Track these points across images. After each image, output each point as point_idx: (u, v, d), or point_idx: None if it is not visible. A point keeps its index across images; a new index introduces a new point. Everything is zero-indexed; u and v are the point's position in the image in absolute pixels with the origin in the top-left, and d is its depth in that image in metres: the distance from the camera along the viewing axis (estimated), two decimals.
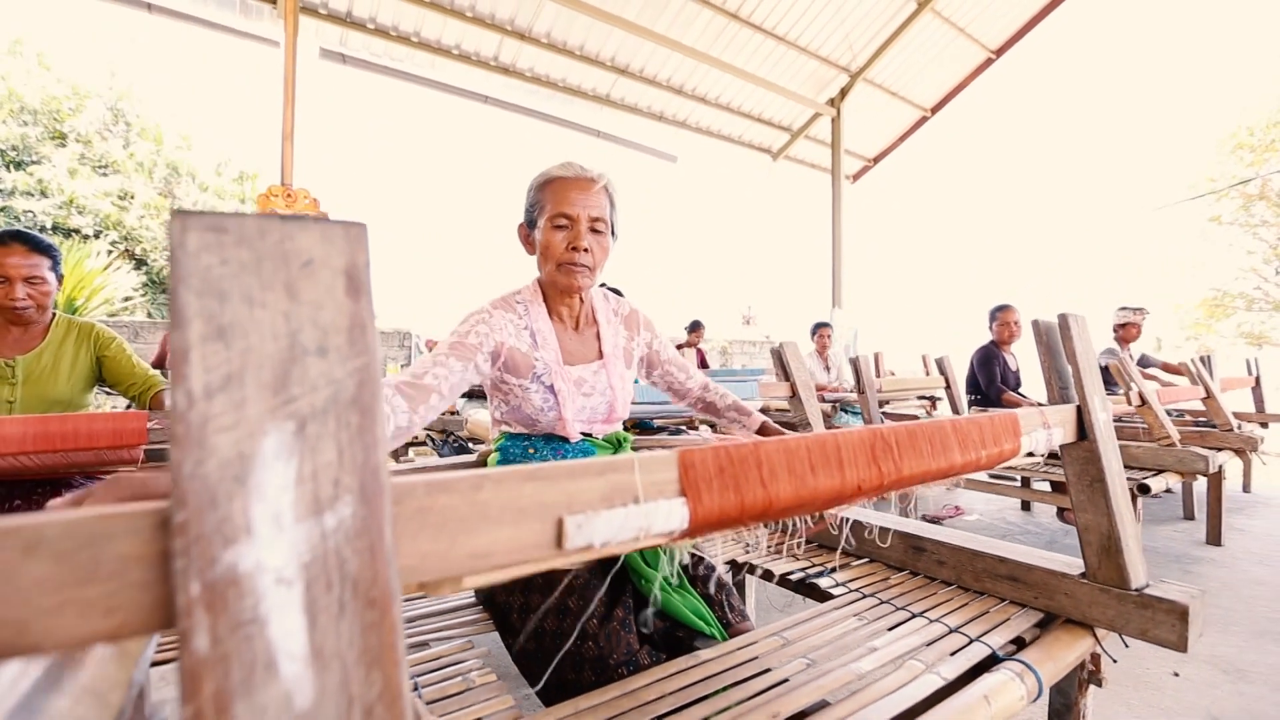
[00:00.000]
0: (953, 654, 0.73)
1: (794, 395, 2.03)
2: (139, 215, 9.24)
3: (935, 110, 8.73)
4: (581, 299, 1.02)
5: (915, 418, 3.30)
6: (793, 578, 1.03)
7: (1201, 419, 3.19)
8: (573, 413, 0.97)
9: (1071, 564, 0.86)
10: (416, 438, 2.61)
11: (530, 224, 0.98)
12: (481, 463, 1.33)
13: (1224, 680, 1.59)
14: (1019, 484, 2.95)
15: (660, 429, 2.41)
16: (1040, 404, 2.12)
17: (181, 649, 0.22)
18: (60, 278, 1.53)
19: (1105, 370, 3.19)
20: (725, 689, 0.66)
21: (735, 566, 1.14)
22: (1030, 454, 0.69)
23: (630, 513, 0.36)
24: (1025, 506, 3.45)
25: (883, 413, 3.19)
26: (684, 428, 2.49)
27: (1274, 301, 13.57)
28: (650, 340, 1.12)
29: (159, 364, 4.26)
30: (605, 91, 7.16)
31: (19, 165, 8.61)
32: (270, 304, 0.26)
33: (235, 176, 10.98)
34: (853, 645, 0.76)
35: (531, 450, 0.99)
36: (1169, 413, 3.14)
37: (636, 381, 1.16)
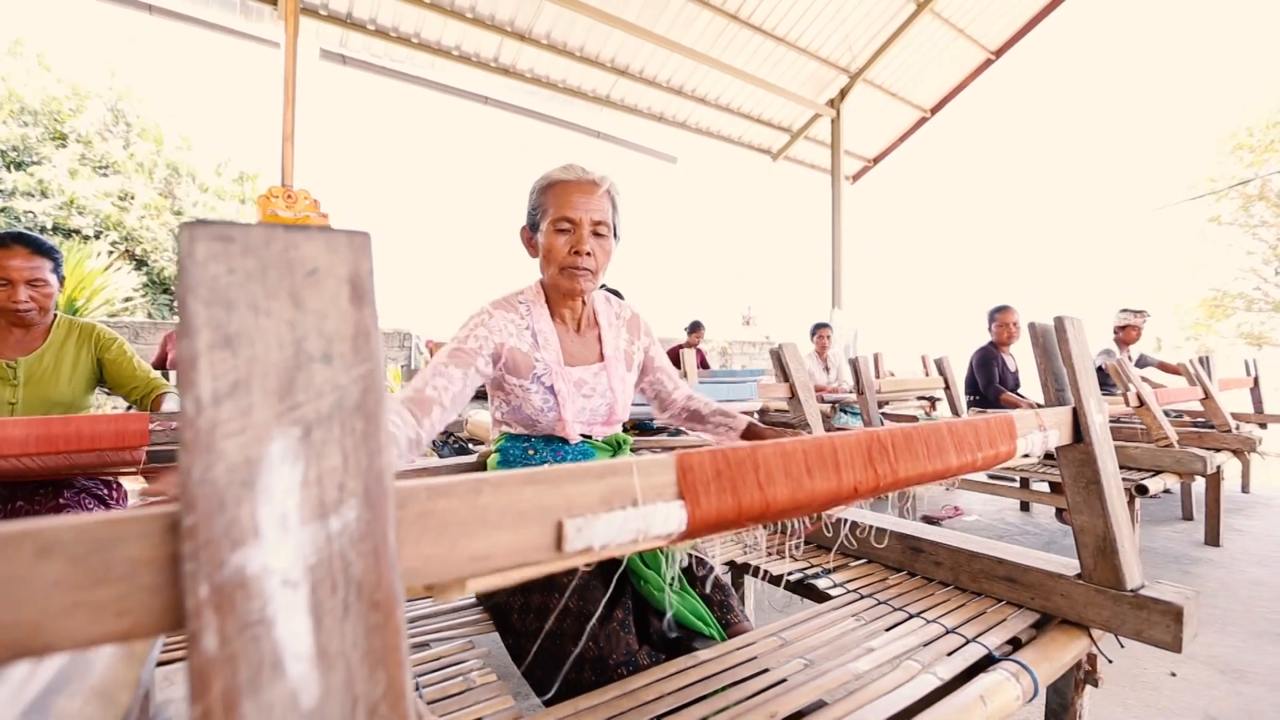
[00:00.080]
0: (949, 654, 0.74)
1: (793, 396, 2.03)
2: (139, 216, 9.25)
3: (935, 111, 8.75)
4: (584, 301, 1.03)
5: (914, 418, 3.30)
6: (791, 578, 1.04)
7: (1200, 420, 3.20)
8: (572, 414, 0.97)
9: (1068, 565, 0.86)
10: None
11: (533, 227, 0.98)
12: (481, 464, 1.33)
13: (1221, 680, 1.60)
14: (1018, 485, 2.95)
15: (659, 430, 2.42)
16: (1038, 405, 2.12)
17: (191, 649, 0.23)
18: (62, 279, 1.54)
19: (1103, 371, 3.20)
20: (723, 689, 0.67)
21: (734, 567, 1.15)
22: (1026, 456, 0.70)
23: (629, 515, 0.37)
24: (1024, 507, 3.46)
25: (882, 413, 3.20)
26: (683, 429, 2.49)
27: (1274, 302, 13.59)
28: (648, 345, 1.13)
29: (159, 365, 4.27)
30: (605, 92, 7.17)
31: (19, 166, 8.62)
32: (276, 312, 0.26)
33: (235, 177, 10.99)
34: (850, 645, 0.77)
35: (531, 451, 0.99)
36: (1167, 413, 3.14)
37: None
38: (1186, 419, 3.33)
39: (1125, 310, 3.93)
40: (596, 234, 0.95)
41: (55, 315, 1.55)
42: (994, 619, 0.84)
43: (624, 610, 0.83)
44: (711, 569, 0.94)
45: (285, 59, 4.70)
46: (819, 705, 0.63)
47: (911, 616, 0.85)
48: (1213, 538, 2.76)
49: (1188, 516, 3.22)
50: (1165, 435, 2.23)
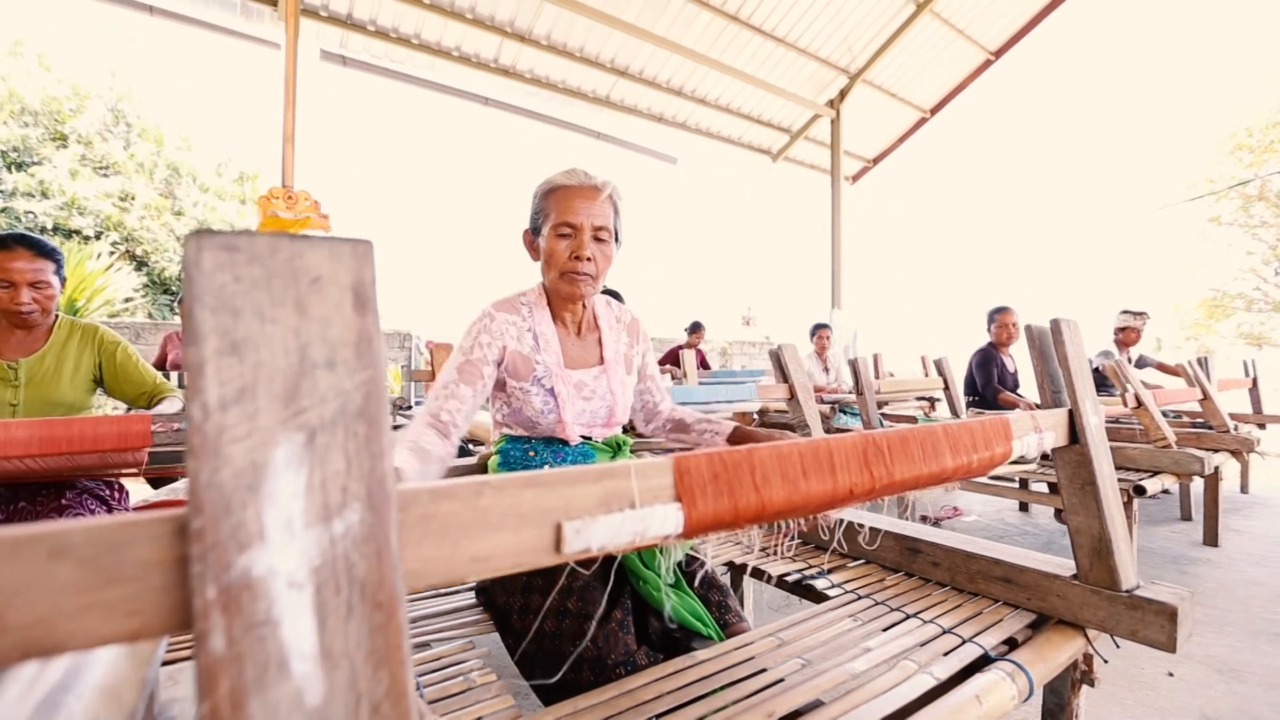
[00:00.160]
0: (945, 654, 0.74)
1: (792, 397, 2.04)
2: (140, 216, 9.27)
3: (934, 111, 8.76)
4: (584, 305, 1.03)
5: (913, 419, 3.31)
6: (789, 579, 1.05)
7: (1198, 420, 3.20)
8: (572, 415, 0.98)
9: (1064, 565, 0.87)
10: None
11: (535, 231, 0.99)
12: (482, 465, 1.34)
13: (1218, 680, 1.61)
14: (1017, 485, 2.96)
15: None
16: (1037, 405, 2.13)
17: (198, 649, 0.23)
18: (64, 281, 1.54)
19: (1101, 372, 3.21)
20: (721, 689, 0.67)
21: (733, 568, 1.15)
22: (1021, 459, 0.70)
23: (626, 518, 0.38)
24: (1024, 507, 3.46)
25: (881, 414, 3.21)
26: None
27: (1273, 302, 13.60)
28: (645, 352, 1.14)
29: (159, 365, 4.27)
30: (605, 93, 7.18)
31: (20, 166, 8.63)
32: (281, 319, 0.27)
33: (236, 177, 11.01)
34: (847, 646, 0.77)
35: (532, 453, 1.00)
36: (1166, 414, 3.15)
37: None
38: (1185, 420, 3.33)
39: (1125, 312, 3.94)
40: (598, 239, 0.95)
41: (57, 317, 1.56)
42: (990, 619, 0.84)
43: (623, 611, 0.84)
44: (702, 564, 0.95)
45: (286, 60, 4.70)
46: (816, 705, 0.64)
47: (908, 617, 0.86)
48: (1211, 538, 2.76)
49: (1186, 517, 3.23)
50: (1163, 436, 2.24)
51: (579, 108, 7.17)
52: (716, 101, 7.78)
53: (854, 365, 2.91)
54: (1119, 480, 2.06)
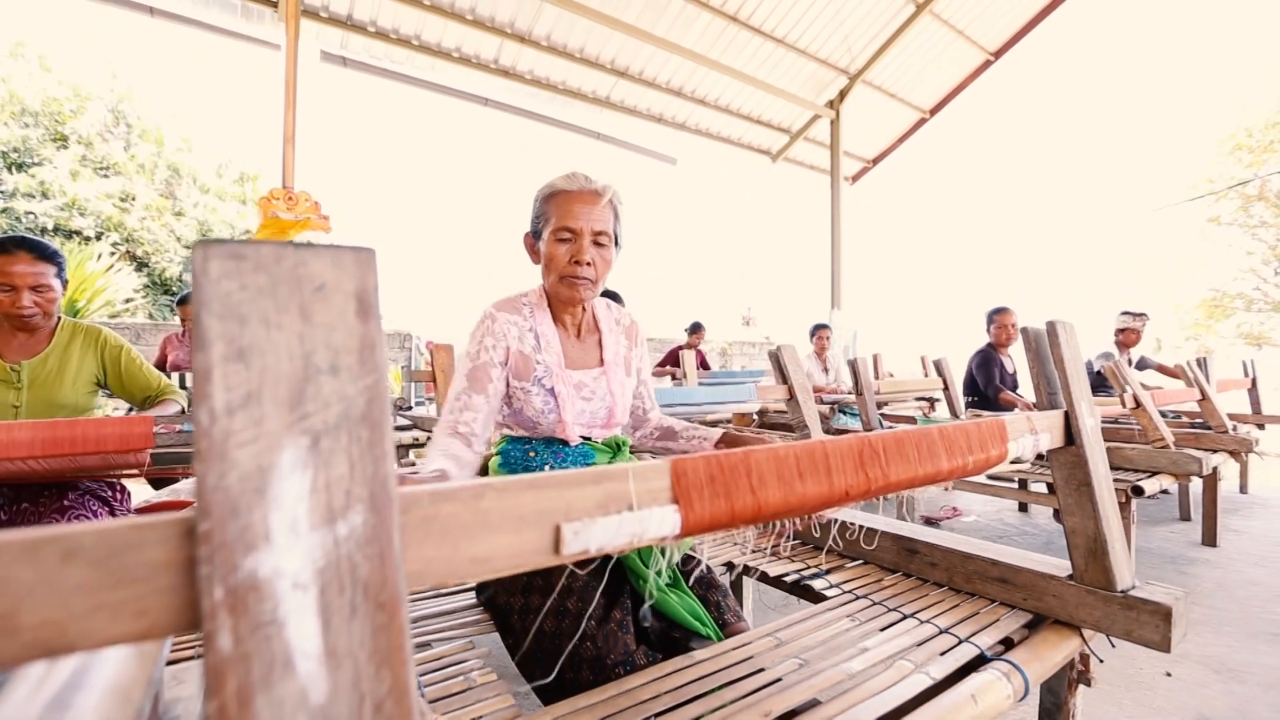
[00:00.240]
0: (942, 654, 0.75)
1: (791, 397, 2.05)
2: (140, 217, 9.28)
3: (934, 112, 8.77)
4: (585, 308, 1.04)
5: (913, 419, 3.31)
6: (788, 579, 1.05)
7: (1197, 420, 3.21)
8: (572, 416, 0.99)
9: (1060, 566, 0.88)
10: (417, 439, 2.63)
11: (535, 234, 1.00)
12: (483, 466, 1.34)
13: (1216, 680, 1.61)
14: (1016, 485, 2.96)
15: None
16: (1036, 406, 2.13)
17: (206, 648, 0.24)
18: (65, 284, 1.55)
19: (1100, 373, 3.21)
20: (719, 688, 0.68)
21: (732, 568, 1.16)
22: (1018, 460, 0.71)
23: (624, 519, 0.38)
24: (1023, 508, 3.47)
25: (881, 414, 3.21)
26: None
27: (1273, 302, 13.60)
28: (641, 357, 1.14)
29: (159, 366, 4.28)
30: (605, 94, 7.19)
31: (20, 167, 8.65)
32: (286, 326, 0.27)
33: (236, 178, 11.02)
34: (845, 645, 0.78)
35: (532, 453, 1.01)
36: (1165, 415, 3.15)
37: None
38: (1184, 420, 3.34)
39: (1125, 313, 3.95)
40: (597, 244, 0.96)
41: (59, 319, 1.56)
42: (987, 619, 0.85)
43: (622, 611, 0.84)
44: (709, 570, 0.95)
45: (286, 61, 4.71)
46: (813, 704, 0.64)
47: (906, 617, 0.86)
48: (1210, 538, 2.77)
49: (1185, 517, 3.23)
50: (1161, 436, 2.24)
51: (579, 108, 7.18)
52: (716, 102, 7.78)
53: (853, 366, 2.92)
54: (1117, 481, 2.06)
